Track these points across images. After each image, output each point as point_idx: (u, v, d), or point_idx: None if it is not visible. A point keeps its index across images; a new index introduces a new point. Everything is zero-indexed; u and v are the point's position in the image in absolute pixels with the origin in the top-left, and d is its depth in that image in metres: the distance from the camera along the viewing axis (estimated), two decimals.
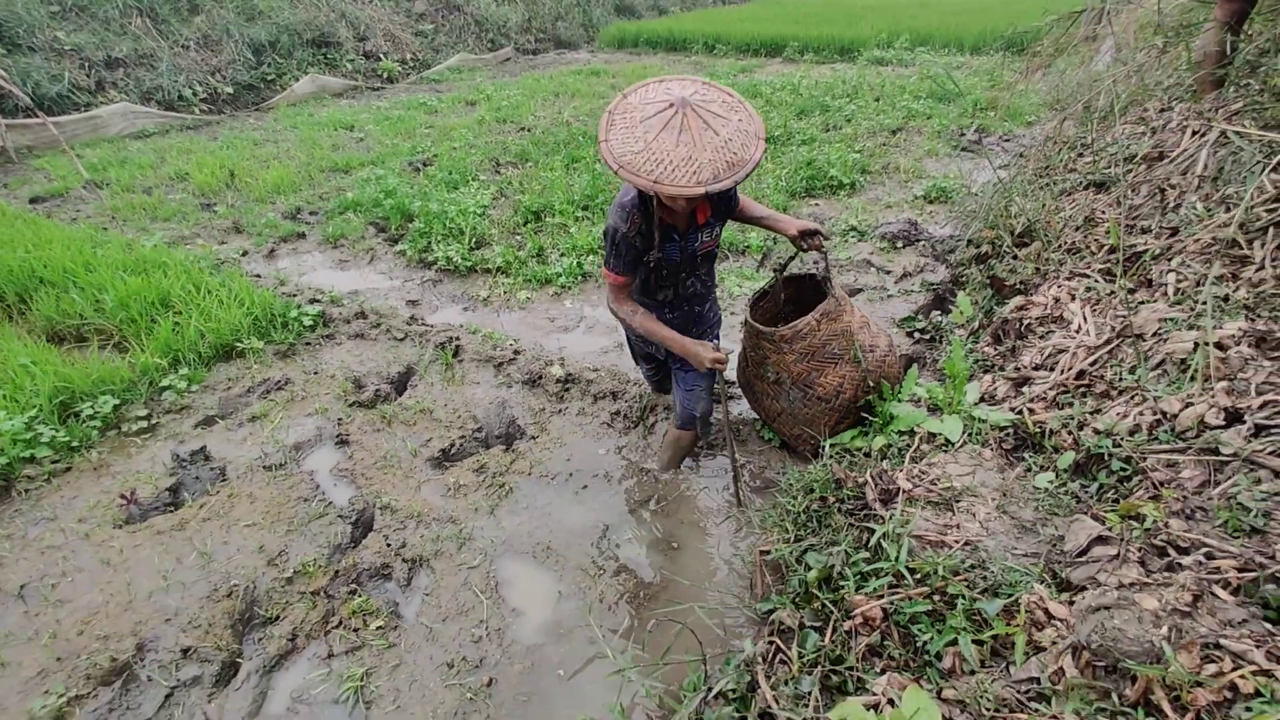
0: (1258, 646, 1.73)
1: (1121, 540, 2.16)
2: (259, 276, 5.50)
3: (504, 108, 10.82)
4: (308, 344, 4.58)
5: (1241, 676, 1.69)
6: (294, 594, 2.81)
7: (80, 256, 5.19)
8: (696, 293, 2.96)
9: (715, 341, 3.03)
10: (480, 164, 7.94)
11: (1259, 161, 2.97)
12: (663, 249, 2.62)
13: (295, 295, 5.09)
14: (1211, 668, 1.74)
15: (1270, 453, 2.15)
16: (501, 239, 6.03)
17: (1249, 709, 1.64)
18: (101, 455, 3.60)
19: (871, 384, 3.17)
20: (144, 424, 3.79)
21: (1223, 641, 1.77)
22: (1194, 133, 3.72)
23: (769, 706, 2.18)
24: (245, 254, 6.05)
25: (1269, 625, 1.79)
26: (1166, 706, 1.73)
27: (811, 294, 3.48)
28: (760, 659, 2.32)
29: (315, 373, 4.27)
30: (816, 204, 6.72)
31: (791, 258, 3.31)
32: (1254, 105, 3.50)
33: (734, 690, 2.24)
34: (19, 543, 3.09)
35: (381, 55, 14.26)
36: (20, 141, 9.32)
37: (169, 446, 3.65)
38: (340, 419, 3.82)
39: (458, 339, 4.51)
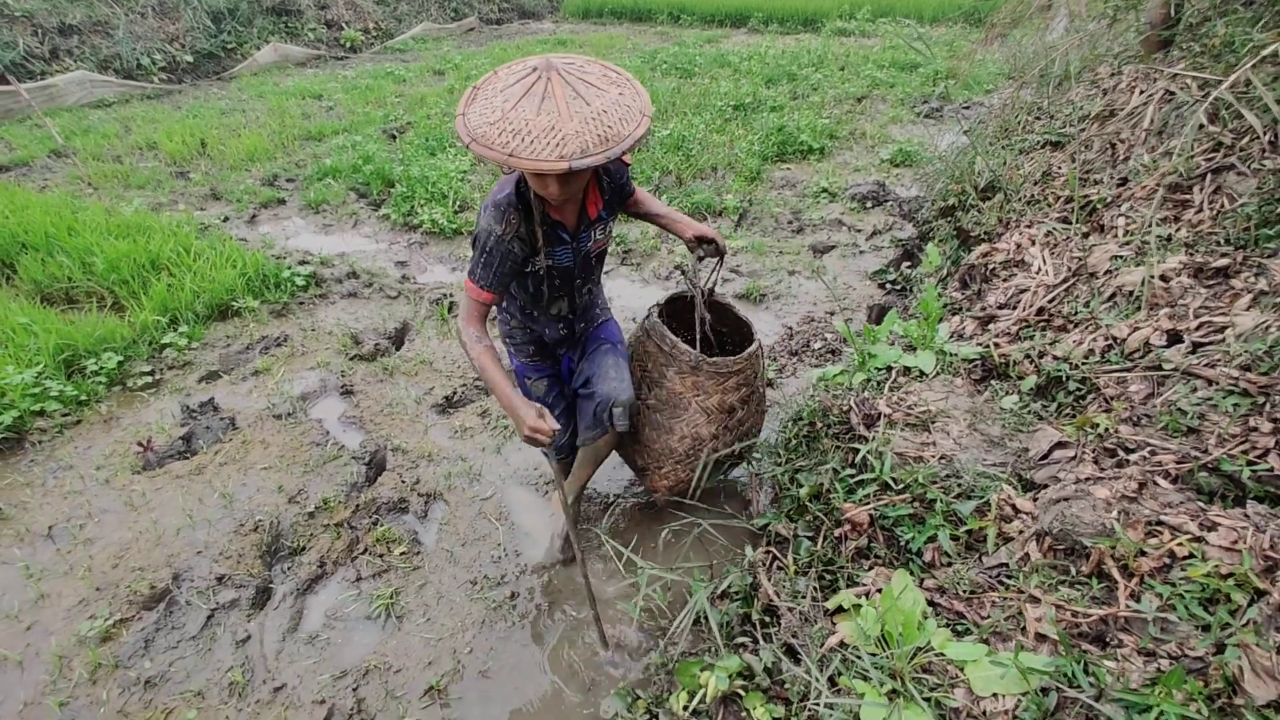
0: (1192, 520, 2.02)
1: (1078, 444, 2.45)
2: (245, 241, 5.55)
3: (473, 77, 10.79)
4: (301, 303, 4.68)
5: (1178, 544, 1.98)
6: (318, 527, 2.98)
7: (62, 221, 5.18)
8: (591, 301, 2.58)
9: (543, 408, 2.14)
10: (455, 132, 7.98)
11: (1197, 115, 3.26)
12: (552, 253, 2.22)
13: (284, 257, 5.16)
14: (1154, 541, 2.03)
15: (1205, 365, 2.45)
16: (484, 198, 6.14)
17: (1183, 572, 1.92)
18: (110, 408, 3.69)
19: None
20: (149, 379, 3.88)
21: (1163, 518, 2.06)
22: (1141, 91, 4.01)
23: (771, 600, 2.44)
24: (226, 220, 6.06)
25: (1201, 504, 2.08)
26: (1116, 573, 2.02)
27: (689, 315, 2.85)
28: (761, 563, 2.57)
29: (313, 330, 4.38)
30: (788, 168, 6.95)
31: (715, 271, 2.69)
32: (1195, 65, 3.80)
33: (738, 590, 2.49)
34: (40, 489, 3.20)
35: (344, 24, 14.03)
36: None
37: (177, 399, 3.75)
38: (343, 371, 3.96)
39: (451, 296, 4.66)
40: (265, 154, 7.54)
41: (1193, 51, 4.00)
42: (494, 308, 2.34)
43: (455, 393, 3.79)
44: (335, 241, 5.72)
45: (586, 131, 1.74)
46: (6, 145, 7.99)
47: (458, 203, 6.04)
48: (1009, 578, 2.21)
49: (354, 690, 2.34)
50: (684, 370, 2.59)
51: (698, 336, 2.70)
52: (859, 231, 5.52)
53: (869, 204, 5.95)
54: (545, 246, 2.18)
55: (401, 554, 2.84)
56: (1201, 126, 3.32)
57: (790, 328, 4.30)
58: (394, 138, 7.88)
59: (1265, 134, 2.96)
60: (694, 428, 2.67)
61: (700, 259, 2.56)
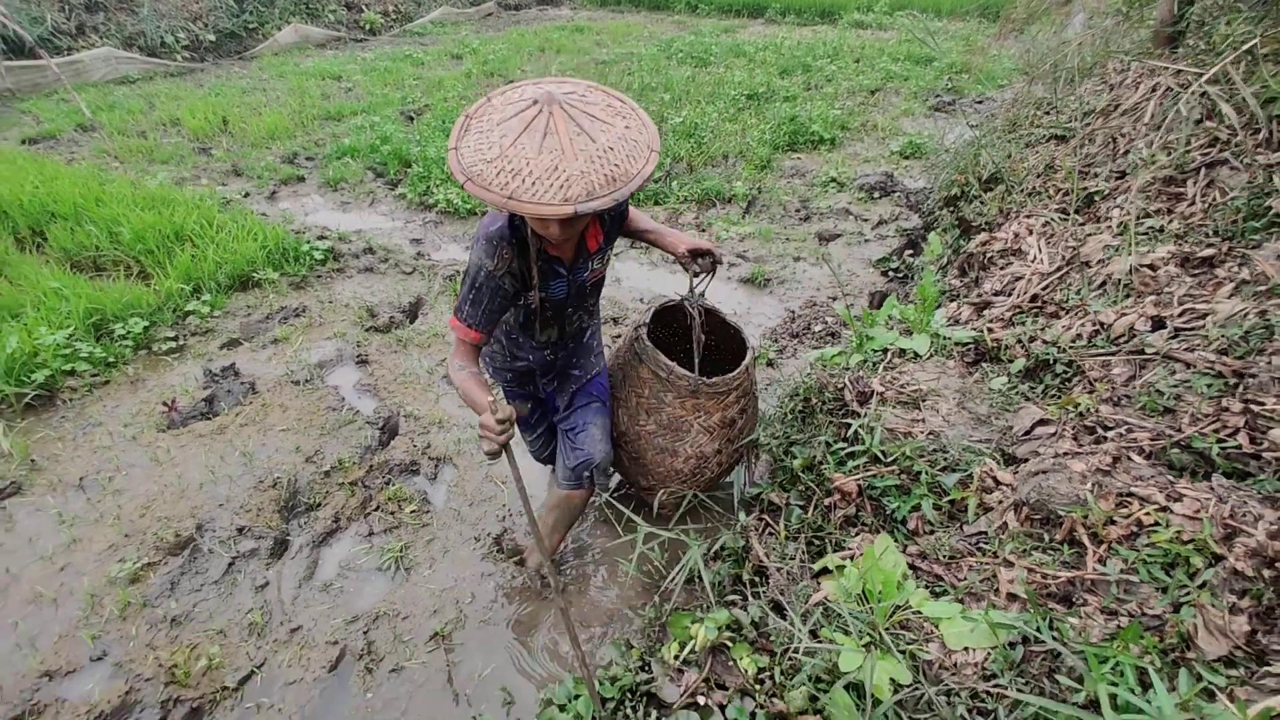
0: (1160, 492, 2.13)
1: (1059, 422, 2.56)
2: (265, 215, 5.70)
3: (490, 61, 10.90)
4: (319, 276, 4.83)
5: (1145, 514, 2.09)
6: (333, 485, 3.13)
7: (89, 192, 5.34)
8: (581, 326, 2.43)
9: (517, 404, 2.28)
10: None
11: (1193, 110, 3.34)
12: (546, 287, 2.11)
13: (303, 232, 5.31)
14: (1123, 510, 2.14)
15: (1185, 349, 2.55)
16: None
17: (1148, 539, 2.04)
18: (136, 371, 3.86)
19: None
20: (173, 344, 4.05)
21: (1134, 490, 2.17)
22: (1144, 87, 4.08)
23: (761, 562, 2.57)
24: (247, 195, 6.22)
25: (1171, 478, 2.19)
26: (1086, 540, 2.14)
27: (684, 328, 2.90)
28: (753, 528, 2.70)
29: (330, 302, 4.53)
30: (798, 157, 7.03)
31: (705, 283, 2.53)
32: (1198, 61, 3.87)
33: (730, 550, 2.62)
34: (70, 444, 3.36)
35: (364, 6, 14.15)
36: (1, 85, 9.26)
37: (200, 364, 3.91)
38: (359, 342, 4.11)
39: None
40: (285, 132, 7.69)
41: (1197, 48, 4.07)
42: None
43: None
44: (353, 219, 5.86)
45: (592, 171, 1.62)
46: (34, 119, 8.18)
47: None
48: (987, 544, 2.33)
49: (365, 633, 2.49)
50: (683, 394, 2.54)
51: (696, 359, 2.56)
52: (865, 221, 5.61)
53: (877, 194, 6.03)
54: (539, 281, 2.06)
55: (412, 512, 2.99)
56: (1198, 121, 3.40)
57: (792, 311, 4.41)
58: (411, 119, 8.01)
59: (1243, 128, 3.04)
60: (698, 447, 2.66)
61: (696, 274, 2.44)
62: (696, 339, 2.55)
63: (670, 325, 2.97)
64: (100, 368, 3.80)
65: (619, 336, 3.86)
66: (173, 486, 3.10)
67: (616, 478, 3.17)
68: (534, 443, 2.81)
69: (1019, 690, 1.88)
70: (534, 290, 2.06)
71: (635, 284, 4.78)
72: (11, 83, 9.20)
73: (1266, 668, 1.69)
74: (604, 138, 1.66)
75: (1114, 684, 1.66)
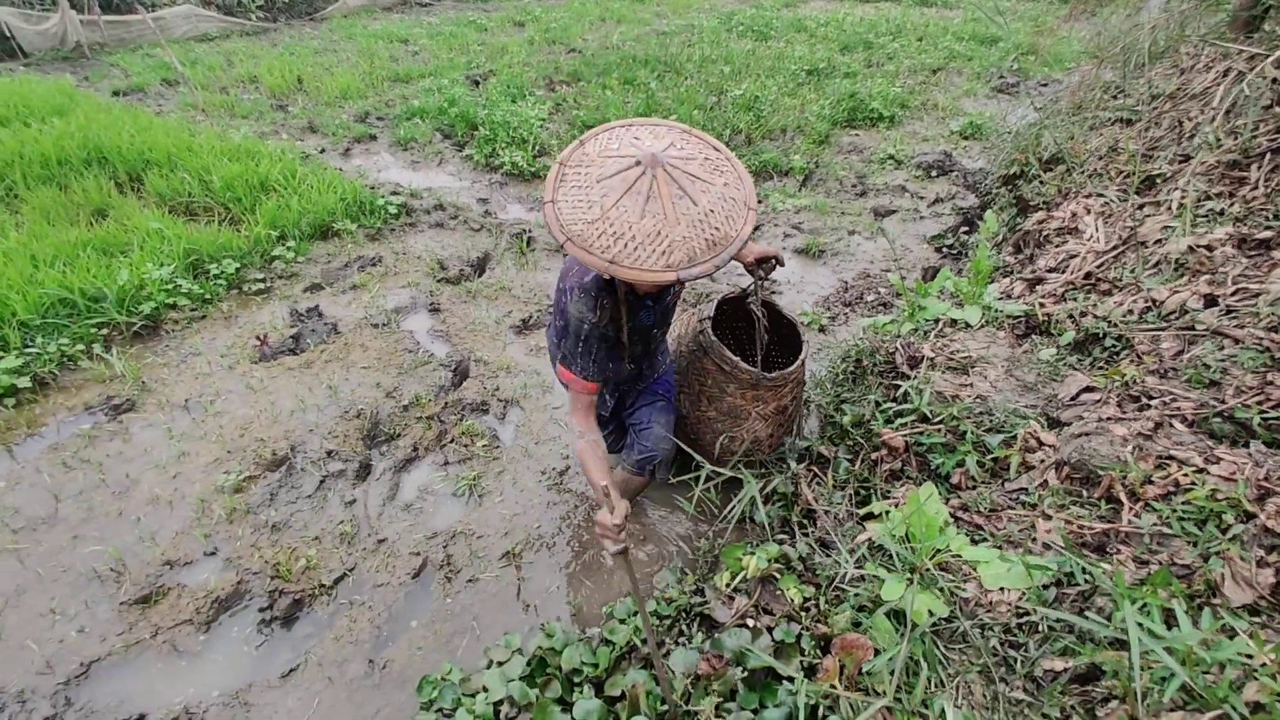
0: (1199, 456, 2.24)
1: (1105, 390, 2.67)
2: (340, 170, 5.98)
3: (553, 29, 11.04)
4: (393, 230, 5.09)
5: (1183, 475, 2.21)
6: (410, 419, 3.38)
7: (180, 143, 5.68)
8: (660, 339, 2.53)
9: (606, 487, 1.99)
10: (534, 81, 8.29)
11: (1263, 94, 3.35)
12: (635, 320, 2.18)
13: (377, 188, 5.57)
14: (1161, 472, 2.26)
15: (1235, 326, 2.63)
16: (560, 149, 6.45)
17: (1185, 499, 2.16)
18: (229, 308, 4.16)
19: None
20: (261, 285, 4.34)
21: (1173, 453, 2.29)
22: (1216, 71, 4.07)
23: (809, 505, 2.75)
24: (323, 151, 6.51)
25: (1210, 444, 2.30)
26: (1123, 497, 2.27)
27: (741, 316, 3.07)
28: (802, 475, 2.87)
29: (403, 253, 4.78)
30: (857, 134, 7.06)
31: (759, 283, 2.64)
32: (1275, 46, 3.85)
33: (781, 494, 2.80)
34: (174, 370, 3.68)
35: None
36: (91, 38, 9.71)
37: (286, 305, 4.20)
38: (431, 291, 4.36)
39: (529, 232, 5.01)
40: (357, 92, 7.97)
41: (1274, 34, 4.03)
42: (559, 325, 2.26)
43: (531, 316, 4.15)
44: (422, 177, 6.11)
45: (694, 237, 1.64)
46: (123, 72, 8.60)
47: (536, 147, 6.37)
48: (1027, 499, 2.47)
49: (444, 548, 2.74)
50: (744, 386, 2.65)
51: (759, 355, 2.76)
52: (921, 199, 5.66)
53: (934, 173, 6.06)
54: (630, 317, 2.14)
55: (483, 446, 3.23)
56: (1267, 107, 3.41)
57: (845, 282, 4.53)
58: (477, 84, 8.22)
59: None
60: (753, 433, 2.80)
61: (762, 279, 2.56)
62: (760, 338, 2.73)
63: (727, 311, 3.07)
64: (198, 303, 4.11)
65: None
66: (267, 412, 3.39)
67: None
68: (605, 439, 2.67)
69: (1050, 627, 2.04)
70: (626, 327, 2.13)
71: None
72: (106, 35, 9.63)
73: None
74: (705, 200, 1.68)
75: (1139, 624, 1.80)
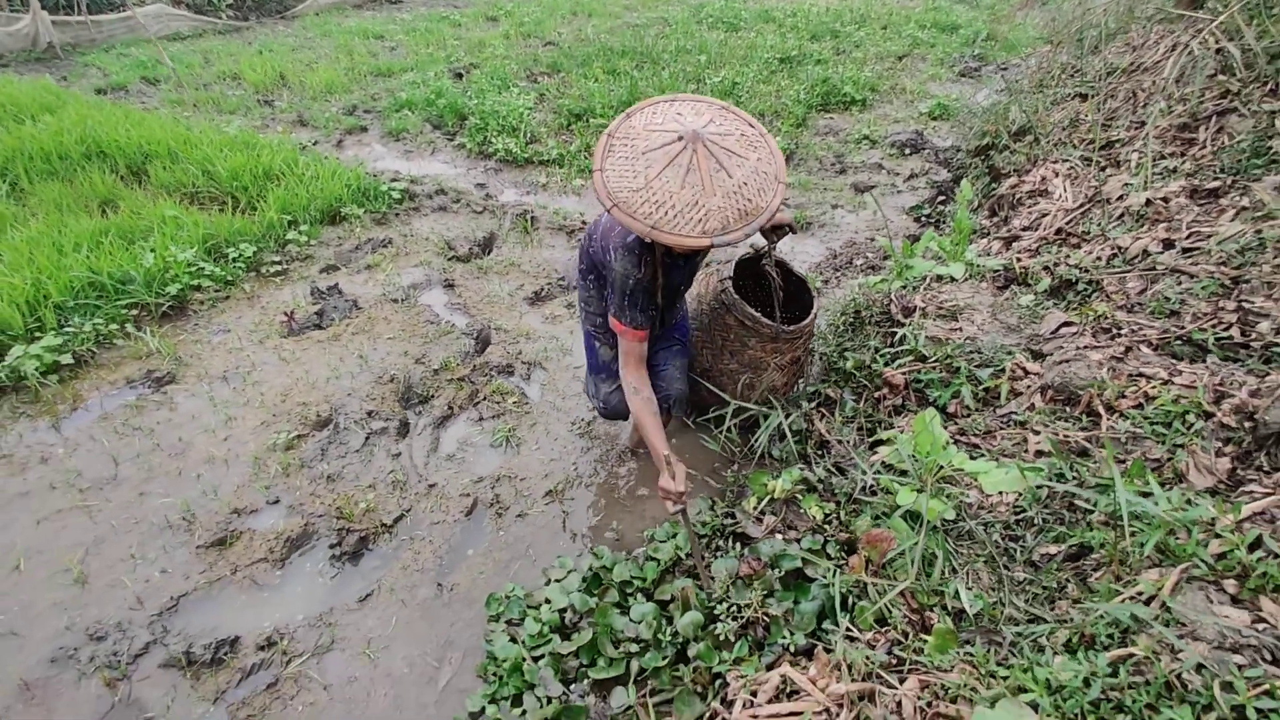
0: (1164, 371, 2.58)
1: (1080, 324, 3.00)
2: (339, 160, 6.12)
3: (527, 23, 11.22)
4: (398, 214, 5.27)
5: (1151, 388, 2.54)
6: (441, 381, 3.60)
7: (178, 136, 5.79)
8: (682, 292, 2.73)
9: (668, 456, 2.25)
10: (515, 73, 8.48)
11: (1208, 63, 3.73)
12: (667, 275, 2.37)
13: (377, 176, 5.74)
14: (1133, 388, 2.59)
15: (1190, 263, 2.98)
16: (550, 136, 6.68)
17: (1155, 407, 2.49)
18: (251, 288, 4.33)
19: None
20: (278, 267, 4.51)
21: (1143, 371, 2.62)
22: (1165, 45, 4.46)
23: (823, 437, 3.04)
24: (316, 143, 6.65)
25: (1173, 362, 2.64)
26: (1101, 410, 2.59)
27: (755, 275, 3.22)
28: (814, 413, 3.16)
29: (411, 235, 4.98)
30: (831, 117, 7.40)
31: (772, 246, 2.91)
32: (1221, 24, 4.24)
33: (796, 431, 3.09)
34: (207, 346, 3.84)
35: None
36: (62, 39, 9.65)
37: (306, 284, 4.38)
38: (443, 269, 4.56)
39: (530, 212, 5.23)
40: (341, 87, 8.09)
41: (1217, 11, 4.43)
42: (591, 285, 2.52)
43: (543, 289, 4.38)
44: (417, 166, 6.29)
45: (729, 206, 1.82)
46: (101, 71, 8.59)
47: (528, 134, 6.58)
48: (1017, 419, 2.78)
49: (491, 489, 2.97)
50: (765, 339, 2.86)
51: (777, 311, 3.00)
52: (897, 175, 6.00)
53: (907, 151, 6.42)
54: (664, 276, 2.33)
55: (514, 402, 3.46)
56: (1211, 75, 3.79)
57: (834, 250, 4.84)
58: (460, 76, 8.39)
59: (1250, 81, 3.43)
60: (770, 382, 3.02)
61: (774, 243, 2.82)
62: (777, 296, 2.99)
63: (743, 271, 3.23)
64: (220, 284, 4.27)
65: None
66: (303, 380, 3.58)
67: None
68: (608, 395, 2.86)
69: (1044, 520, 2.35)
70: (659, 284, 2.32)
71: None
72: (78, 35, 9.58)
73: (1242, 487, 2.15)
74: (739, 173, 1.86)
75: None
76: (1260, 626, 1.74)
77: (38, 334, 3.65)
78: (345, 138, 6.85)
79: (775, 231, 2.75)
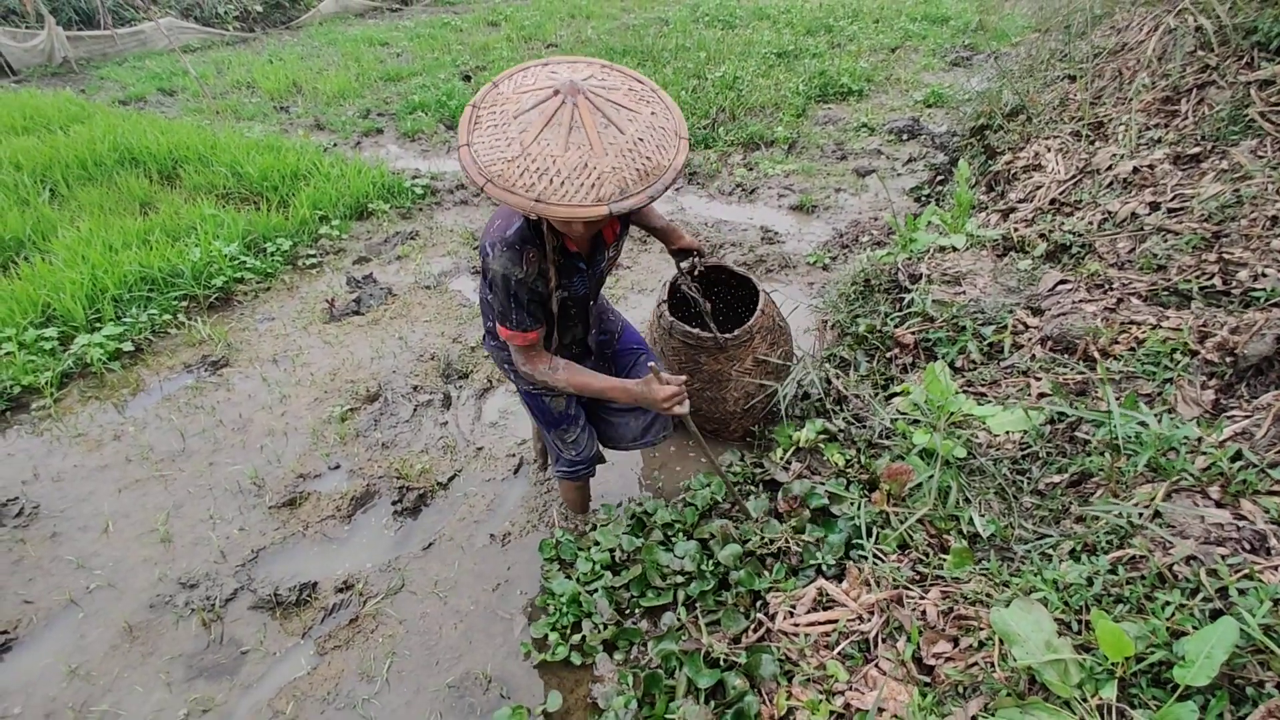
0: (1153, 318, 2.82)
1: (1076, 281, 3.24)
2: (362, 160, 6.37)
3: (527, 27, 11.47)
4: (421, 209, 5.52)
5: (1141, 333, 2.78)
6: (479, 358, 3.84)
7: (205, 141, 6.03)
8: (600, 311, 2.43)
9: (653, 366, 2.03)
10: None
11: (1187, 40, 3.98)
12: (569, 285, 1.97)
13: (399, 174, 5.98)
14: (1124, 335, 2.83)
15: (1174, 222, 3.22)
16: None
17: (1145, 350, 2.72)
18: (290, 280, 4.57)
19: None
20: (314, 260, 4.75)
21: (1134, 318, 2.86)
22: (1148, 27, 4.71)
23: (841, 393, 3.27)
24: (335, 145, 6.89)
25: (1161, 309, 2.88)
26: (1096, 355, 2.83)
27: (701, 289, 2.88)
28: (831, 372, 3.40)
29: (436, 228, 5.22)
30: (830, 107, 7.65)
31: (693, 266, 2.60)
32: (1198, 3, 4.49)
33: (814, 387, 3.32)
34: (254, 332, 4.08)
35: None
36: (76, 53, 9.90)
37: (341, 275, 4.62)
38: (469, 257, 4.80)
39: None
40: (353, 92, 8.34)
41: None
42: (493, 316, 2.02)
43: None
44: (434, 165, 6.53)
45: (624, 166, 1.51)
46: (118, 84, 8.84)
47: None
48: (1020, 370, 3.02)
49: (534, 449, 3.20)
50: (713, 352, 2.88)
51: (711, 325, 2.83)
52: (896, 159, 6.25)
53: (905, 137, 6.67)
54: (561, 280, 1.93)
55: None
56: (1191, 52, 4.04)
57: (839, 230, 5.08)
58: (468, 79, 8.64)
59: (1227, 57, 3.68)
60: (742, 389, 3.02)
61: (685, 271, 2.58)
62: (705, 311, 2.78)
63: (681, 293, 3.14)
64: (261, 277, 4.51)
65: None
66: (349, 361, 3.82)
67: None
68: (576, 442, 2.50)
69: (1047, 454, 2.59)
70: (554, 292, 1.92)
71: (698, 212, 5.45)
72: (91, 50, 9.82)
73: (1224, 413, 2.39)
74: (632, 128, 1.54)
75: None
76: (1241, 524, 1.98)
77: (98, 325, 3.89)
78: (362, 140, 7.10)
79: (683, 254, 2.54)
